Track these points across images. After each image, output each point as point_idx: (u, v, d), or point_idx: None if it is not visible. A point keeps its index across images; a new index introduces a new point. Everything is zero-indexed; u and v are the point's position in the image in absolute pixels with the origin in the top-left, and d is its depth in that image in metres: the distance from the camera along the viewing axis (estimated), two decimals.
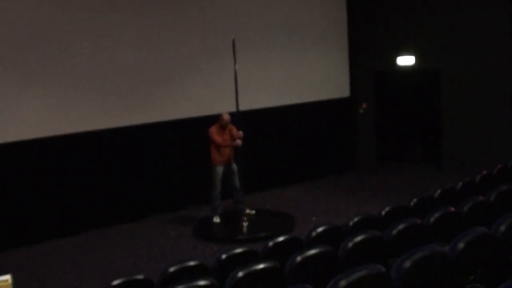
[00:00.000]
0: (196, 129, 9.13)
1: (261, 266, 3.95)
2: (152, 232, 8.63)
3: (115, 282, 4.38)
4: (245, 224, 8.37)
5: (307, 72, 11.17)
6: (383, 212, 5.73)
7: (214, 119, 8.53)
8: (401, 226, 4.60)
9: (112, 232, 8.73)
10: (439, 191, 6.30)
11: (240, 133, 8.37)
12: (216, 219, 8.64)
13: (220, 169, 8.49)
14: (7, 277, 3.72)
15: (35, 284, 6.89)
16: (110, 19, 8.89)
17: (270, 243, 4.95)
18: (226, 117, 8.42)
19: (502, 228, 3.94)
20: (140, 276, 4.58)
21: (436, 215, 4.85)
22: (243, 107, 8.72)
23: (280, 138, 11.00)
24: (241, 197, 8.68)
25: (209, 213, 8.80)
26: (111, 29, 8.91)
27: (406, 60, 11.40)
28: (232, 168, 8.58)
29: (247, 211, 8.80)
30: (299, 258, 4.03)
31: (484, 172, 6.88)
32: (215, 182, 8.51)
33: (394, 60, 11.52)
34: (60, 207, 8.62)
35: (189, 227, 8.68)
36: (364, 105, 12.00)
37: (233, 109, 8.40)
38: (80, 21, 8.61)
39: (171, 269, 4.48)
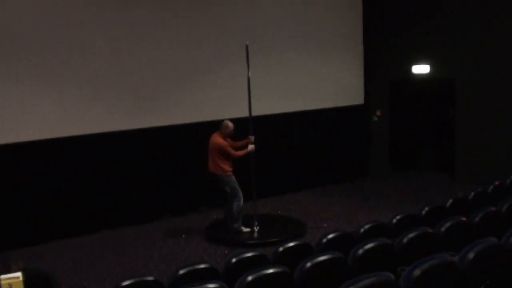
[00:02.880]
0: (209, 133, 9.12)
1: (270, 270, 3.96)
2: (163, 234, 8.67)
3: (125, 283, 4.39)
4: (256, 228, 8.37)
5: (322, 78, 11.17)
6: (394, 220, 5.72)
7: None
8: (412, 235, 4.59)
9: (123, 233, 8.78)
10: (451, 200, 6.27)
11: (252, 137, 8.33)
12: (246, 229, 8.42)
13: (234, 178, 8.33)
14: (18, 274, 3.76)
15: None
16: (126, 21, 8.97)
17: (280, 248, 4.95)
18: (231, 125, 8.25)
19: None
20: (150, 278, 4.59)
21: (447, 224, 4.83)
22: (256, 112, 8.70)
23: (294, 144, 11.01)
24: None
25: (220, 216, 8.83)
26: (127, 31, 8.99)
27: (421, 69, 11.37)
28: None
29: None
30: (308, 264, 4.03)
31: (497, 183, 6.84)
32: (238, 191, 8.26)
33: (409, 68, 11.50)
34: (72, 207, 8.70)
35: (200, 230, 8.71)
36: (378, 113, 11.98)
37: (246, 114, 8.39)
38: (96, 22, 8.71)
39: (181, 272, 4.48)
